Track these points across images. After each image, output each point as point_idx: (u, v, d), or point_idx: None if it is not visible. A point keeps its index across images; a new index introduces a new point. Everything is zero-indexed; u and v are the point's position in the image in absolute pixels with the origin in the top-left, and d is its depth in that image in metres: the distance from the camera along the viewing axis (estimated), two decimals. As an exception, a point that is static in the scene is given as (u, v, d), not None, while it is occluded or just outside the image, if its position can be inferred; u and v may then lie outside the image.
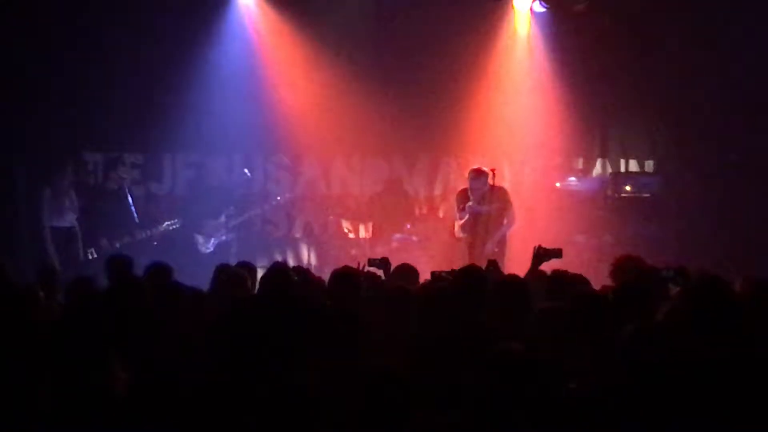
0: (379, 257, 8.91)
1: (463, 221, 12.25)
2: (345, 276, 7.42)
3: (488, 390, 4.55)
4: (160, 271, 8.03)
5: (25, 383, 4.95)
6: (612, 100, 14.77)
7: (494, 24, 14.79)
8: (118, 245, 12.80)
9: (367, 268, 8.54)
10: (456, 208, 12.49)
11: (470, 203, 12.12)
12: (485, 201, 12.11)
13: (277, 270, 7.53)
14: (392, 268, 8.48)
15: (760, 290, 6.79)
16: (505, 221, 12.22)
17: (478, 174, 12.17)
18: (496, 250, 11.95)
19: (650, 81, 14.38)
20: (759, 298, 6.63)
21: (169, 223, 13.42)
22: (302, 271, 8.39)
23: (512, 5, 14.73)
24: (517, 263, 10.24)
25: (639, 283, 6.57)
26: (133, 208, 13.49)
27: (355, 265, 8.17)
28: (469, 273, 7.22)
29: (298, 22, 14.37)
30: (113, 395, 4.74)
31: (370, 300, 7.11)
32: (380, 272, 8.49)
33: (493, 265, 8.64)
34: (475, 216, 12.13)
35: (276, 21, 14.48)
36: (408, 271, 8.32)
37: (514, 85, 14.75)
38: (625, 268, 7.54)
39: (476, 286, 6.90)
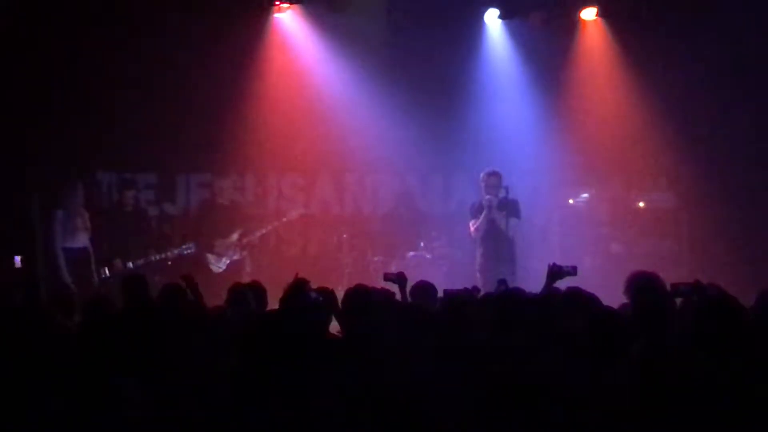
0: (394, 272, 8.86)
1: (477, 223, 12.41)
2: (358, 294, 7.40)
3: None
4: (174, 291, 8.03)
5: (39, 402, 4.96)
6: (625, 116, 14.72)
7: (506, 41, 14.84)
8: (131, 265, 12.81)
9: (382, 283, 8.52)
10: (470, 213, 12.64)
11: (488, 197, 12.30)
12: (499, 206, 12.32)
13: (297, 286, 7.51)
14: (408, 285, 8.46)
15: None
16: (510, 232, 12.36)
17: (491, 174, 12.38)
18: (507, 267, 12.06)
19: (663, 94, 14.35)
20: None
21: (184, 246, 13.39)
22: (328, 292, 8.22)
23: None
24: (531, 281, 10.23)
25: (655, 301, 6.55)
26: (146, 228, 13.54)
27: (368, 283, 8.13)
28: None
29: (311, 43, 14.43)
30: (128, 415, 4.75)
31: (384, 318, 7.08)
32: (395, 288, 8.46)
33: (503, 284, 8.62)
34: (488, 228, 12.30)
35: (288, 43, 14.53)
36: (427, 288, 8.30)
37: (527, 102, 14.76)
38: (639, 284, 7.50)
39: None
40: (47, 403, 4.96)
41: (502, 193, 12.43)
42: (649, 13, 14.14)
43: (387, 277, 8.72)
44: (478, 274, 12.44)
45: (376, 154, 14.54)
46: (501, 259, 12.30)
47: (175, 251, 13.29)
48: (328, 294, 7.85)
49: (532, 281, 9.43)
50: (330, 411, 4.62)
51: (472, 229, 12.64)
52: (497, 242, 12.42)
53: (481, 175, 12.59)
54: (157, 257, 13.11)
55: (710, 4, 13.90)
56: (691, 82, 14.07)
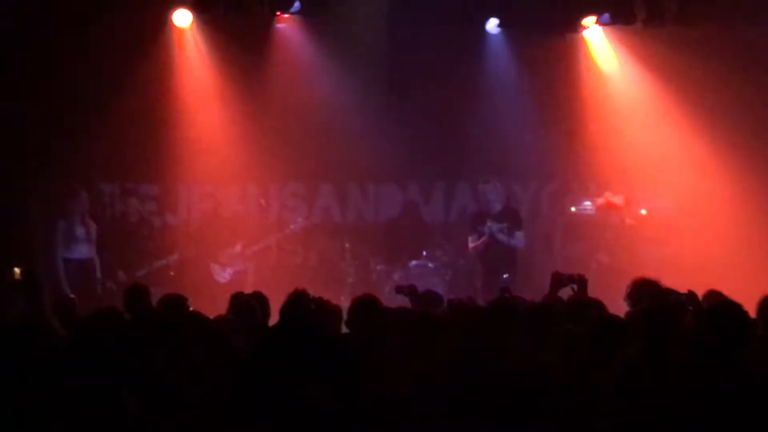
0: (405, 285, 8.93)
1: (477, 243, 12.42)
2: (365, 304, 7.40)
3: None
4: (174, 301, 8.02)
5: (39, 414, 4.96)
6: (627, 123, 14.69)
7: (507, 49, 14.86)
8: (134, 276, 12.81)
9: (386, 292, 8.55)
10: (469, 226, 12.66)
11: (490, 224, 12.30)
12: (498, 218, 12.35)
13: (297, 297, 7.51)
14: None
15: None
16: (512, 241, 12.40)
17: (486, 183, 12.44)
18: (506, 275, 12.09)
19: (663, 100, 14.35)
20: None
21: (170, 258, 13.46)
22: (319, 300, 8.30)
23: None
24: (534, 289, 10.23)
25: (654, 308, 6.54)
26: (147, 238, 13.59)
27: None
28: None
29: (312, 53, 14.45)
30: (127, 426, 4.74)
31: (391, 327, 7.08)
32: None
33: (506, 292, 8.63)
34: (489, 243, 12.31)
35: (289, 53, 14.54)
36: (432, 297, 8.33)
37: (528, 110, 14.74)
38: (640, 291, 7.51)
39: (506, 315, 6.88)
40: (47, 415, 4.95)
41: (498, 205, 12.50)
42: (648, 20, 14.12)
43: (399, 290, 8.77)
44: (479, 284, 12.47)
45: (378, 163, 14.53)
46: (501, 268, 12.33)
47: (162, 261, 13.34)
48: (331, 309, 7.87)
49: (536, 289, 9.43)
50: (334, 418, 4.61)
51: (471, 246, 12.67)
52: (498, 251, 12.44)
53: (478, 185, 12.65)
54: (159, 265, 13.16)
55: (710, 6, 13.95)
56: (689, 87, 14.06)
